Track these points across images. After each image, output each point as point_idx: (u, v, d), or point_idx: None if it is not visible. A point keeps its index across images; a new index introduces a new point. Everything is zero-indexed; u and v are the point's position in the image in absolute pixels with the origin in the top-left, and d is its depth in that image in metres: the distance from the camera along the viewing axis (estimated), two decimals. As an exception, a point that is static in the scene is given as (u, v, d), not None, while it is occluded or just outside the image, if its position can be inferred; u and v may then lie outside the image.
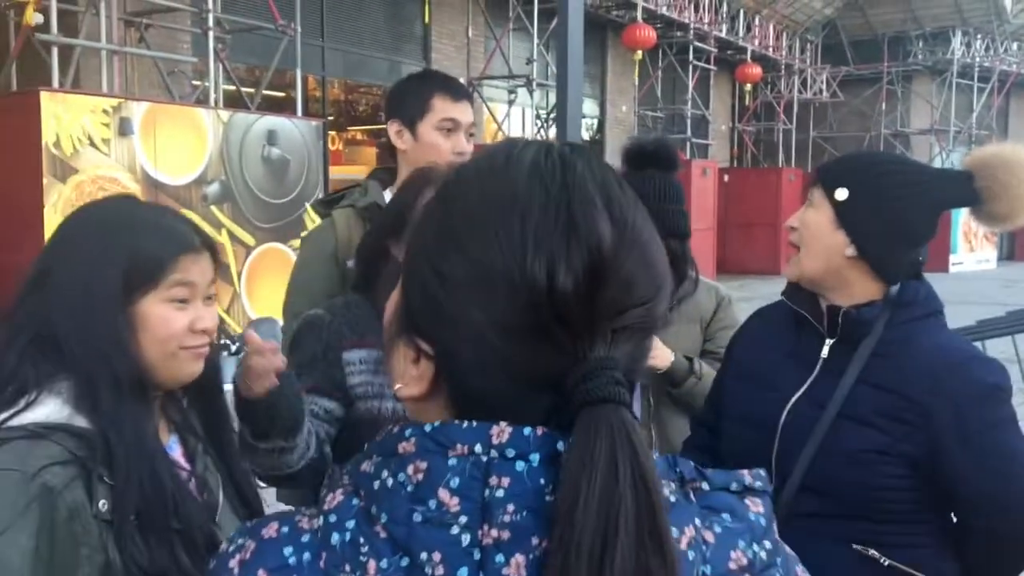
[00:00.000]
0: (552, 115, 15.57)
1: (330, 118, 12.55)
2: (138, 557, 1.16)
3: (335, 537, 0.67)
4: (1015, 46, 26.02)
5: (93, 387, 1.21)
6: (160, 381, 1.33)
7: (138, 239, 1.30)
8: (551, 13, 14.63)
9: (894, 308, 1.69)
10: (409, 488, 0.67)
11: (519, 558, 0.64)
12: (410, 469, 0.67)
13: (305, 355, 1.86)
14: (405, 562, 0.65)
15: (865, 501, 1.63)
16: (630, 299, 0.68)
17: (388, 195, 2.34)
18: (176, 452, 1.39)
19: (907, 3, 23.94)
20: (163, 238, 1.32)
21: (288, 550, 0.69)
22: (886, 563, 1.60)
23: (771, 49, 21.95)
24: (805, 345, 1.77)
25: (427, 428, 0.68)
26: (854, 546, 1.62)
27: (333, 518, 0.68)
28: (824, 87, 24.23)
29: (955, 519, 1.69)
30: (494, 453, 0.66)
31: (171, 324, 1.31)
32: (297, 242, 9.24)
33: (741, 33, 20.64)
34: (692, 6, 18.47)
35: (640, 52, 16.57)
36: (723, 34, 19.82)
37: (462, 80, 12.32)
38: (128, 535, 1.15)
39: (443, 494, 0.66)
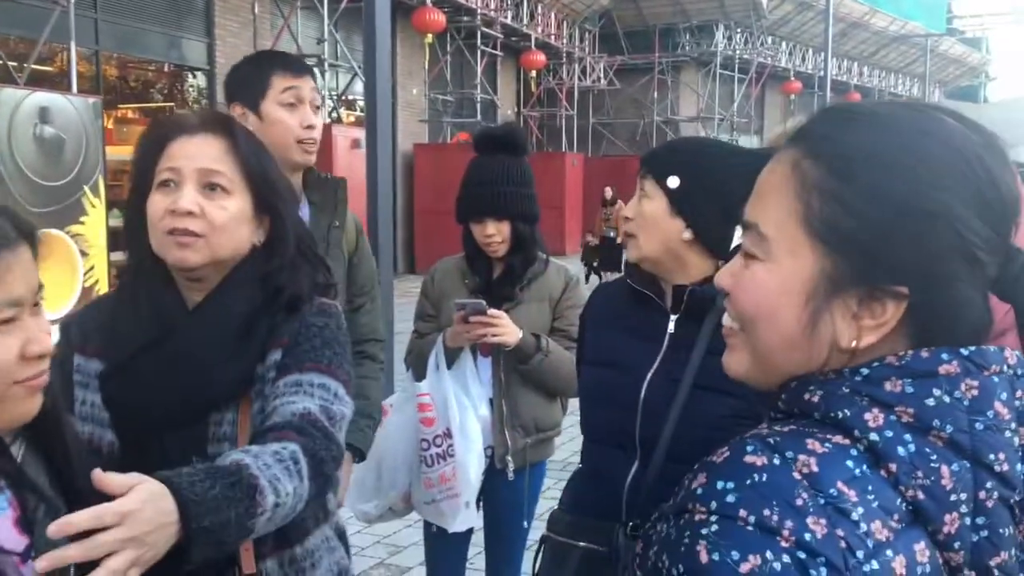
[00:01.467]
0: (344, 97, 15.34)
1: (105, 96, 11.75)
2: None
3: (900, 450, 0.78)
4: (770, 40, 28.22)
5: None
6: None
7: None
8: (341, -8, 14.39)
9: None
10: (966, 403, 0.79)
11: None
12: (962, 387, 0.79)
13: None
14: (968, 464, 0.78)
15: None
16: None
17: None
18: (7, 521, 1.10)
19: (676, -3, 25.40)
20: None
21: (849, 463, 0.78)
22: None
23: (553, 37, 22.62)
24: (649, 322, 1.85)
25: (964, 352, 0.80)
26: None
27: (889, 433, 0.79)
28: (602, 75, 25.27)
29: None
30: (1015, 371, 0.82)
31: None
32: (75, 227, 8.64)
33: (525, 20, 21.14)
34: (479, -9, 18.73)
35: (430, 36, 16.62)
36: (508, 21, 20.23)
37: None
38: None
39: (998, 406, 0.80)
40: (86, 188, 8.40)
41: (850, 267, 0.81)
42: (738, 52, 27.06)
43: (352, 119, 16.10)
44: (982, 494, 0.78)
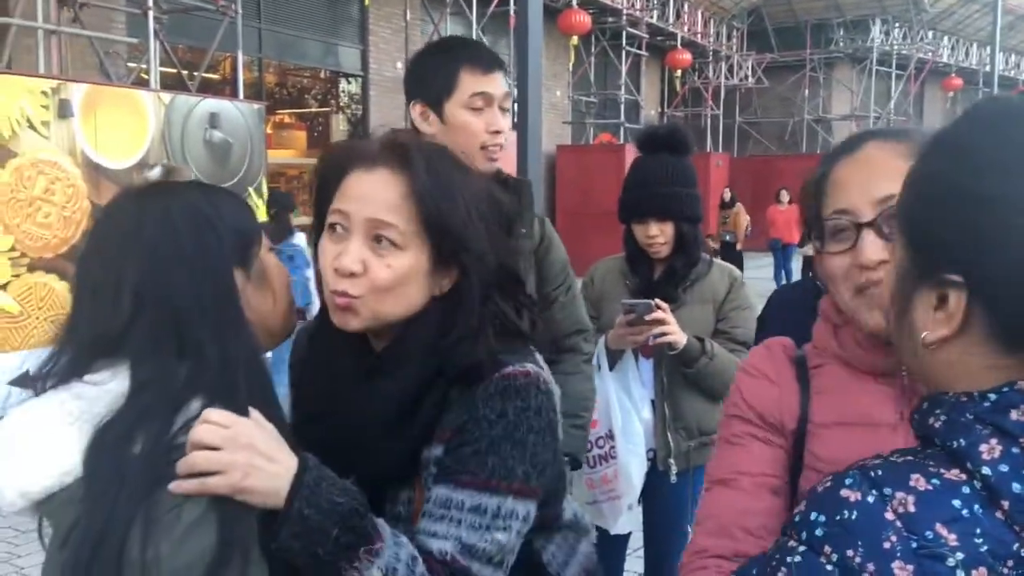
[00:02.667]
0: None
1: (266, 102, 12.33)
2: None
3: (1016, 486, 0.71)
4: (931, 34, 26.90)
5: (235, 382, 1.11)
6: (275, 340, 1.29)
7: (228, 203, 1.23)
8: (489, -3, 14.60)
9: None
10: None
11: None
12: None
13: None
14: None
15: None
16: None
17: None
18: None
19: (829, -9, 24.55)
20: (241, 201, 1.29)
21: (956, 502, 0.72)
22: None
23: (699, 36, 22.27)
24: None
25: None
26: None
27: (1004, 468, 0.72)
28: (749, 73, 24.69)
29: None
30: None
31: (284, 267, 1.29)
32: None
33: (671, 20, 20.89)
34: (625, -8, 18.65)
35: (575, 37, 16.65)
36: (654, 20, 20.05)
37: (399, 65, 12.04)
38: None
39: None
40: (250, 190, 8.83)
41: (920, 256, 0.80)
42: (896, 47, 25.91)
43: (498, 121, 16.30)
44: None
